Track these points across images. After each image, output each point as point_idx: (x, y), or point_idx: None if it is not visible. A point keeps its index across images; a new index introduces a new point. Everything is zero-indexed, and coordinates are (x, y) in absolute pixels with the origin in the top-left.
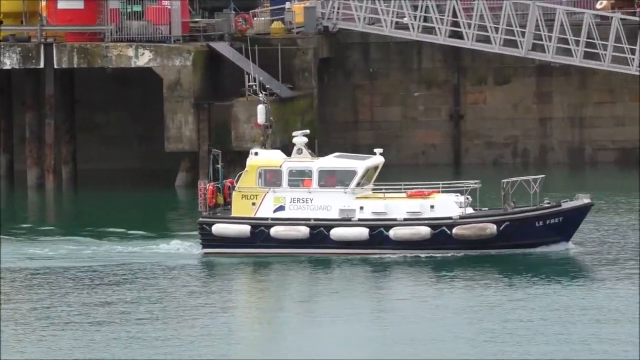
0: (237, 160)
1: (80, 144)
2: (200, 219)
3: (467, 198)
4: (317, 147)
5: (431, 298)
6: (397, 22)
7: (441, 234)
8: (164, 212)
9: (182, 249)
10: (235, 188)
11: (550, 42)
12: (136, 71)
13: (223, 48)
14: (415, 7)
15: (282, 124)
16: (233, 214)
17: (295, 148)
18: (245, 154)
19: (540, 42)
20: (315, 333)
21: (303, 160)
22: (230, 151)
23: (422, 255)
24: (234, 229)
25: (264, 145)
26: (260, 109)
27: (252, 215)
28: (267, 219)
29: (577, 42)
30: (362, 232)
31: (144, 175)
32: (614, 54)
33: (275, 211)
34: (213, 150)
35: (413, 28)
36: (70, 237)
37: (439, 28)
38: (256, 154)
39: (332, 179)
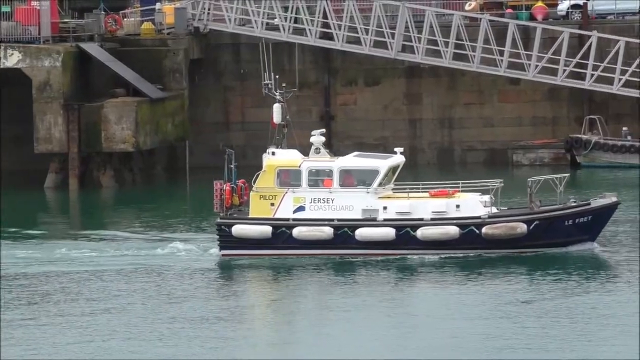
0: (107, 162)
1: None
2: (219, 220)
3: (491, 197)
4: (188, 148)
5: (454, 298)
6: (267, 23)
7: (470, 234)
8: (32, 214)
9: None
10: (253, 188)
11: (419, 43)
12: (6, 72)
13: (93, 49)
14: (285, 8)
15: (152, 125)
16: (251, 215)
17: (313, 147)
18: (117, 155)
19: (409, 44)
20: (329, 336)
21: (323, 160)
22: (100, 152)
23: (451, 255)
24: (256, 230)
25: (280, 145)
26: (277, 107)
27: (271, 216)
28: (288, 219)
29: (446, 44)
30: (389, 232)
31: (17, 176)
32: (483, 55)
33: (295, 212)
34: (227, 149)
35: (284, 29)
36: None
37: (309, 29)
38: (273, 153)
39: (354, 179)
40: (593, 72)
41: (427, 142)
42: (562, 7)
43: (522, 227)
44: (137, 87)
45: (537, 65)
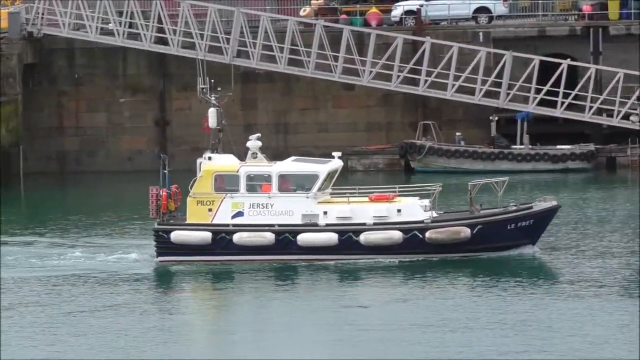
0: None
1: None
2: (157, 226)
3: (431, 201)
4: (22, 154)
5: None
6: (102, 28)
7: (413, 238)
8: None
9: None
10: (190, 194)
11: (254, 48)
12: None
13: None
14: (120, 13)
15: None
16: (188, 221)
17: (249, 152)
18: None
19: (245, 49)
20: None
21: (261, 165)
22: None
23: (393, 260)
24: (196, 236)
25: (216, 150)
26: (212, 112)
27: (209, 222)
28: (228, 225)
29: (281, 49)
30: (331, 238)
31: None
32: (318, 61)
33: (233, 217)
34: (162, 155)
35: (118, 34)
36: None
37: (144, 34)
38: (209, 158)
39: (293, 184)
40: (427, 78)
41: (262, 148)
42: (396, 13)
43: (466, 232)
44: None
45: (371, 71)
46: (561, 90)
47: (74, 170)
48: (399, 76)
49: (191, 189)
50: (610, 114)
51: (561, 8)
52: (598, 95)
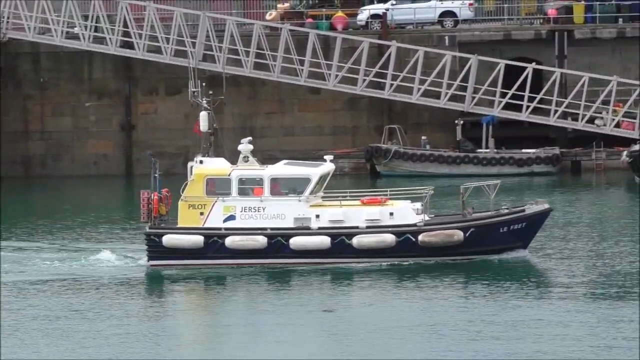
0: None
1: None
2: (148, 230)
3: (422, 205)
4: None
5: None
6: (67, 32)
7: (406, 242)
8: None
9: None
10: (181, 197)
11: (220, 52)
12: None
13: None
14: (86, 17)
15: None
16: (180, 224)
17: (241, 156)
18: None
19: (211, 53)
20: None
21: (253, 168)
22: None
23: (385, 264)
24: (188, 240)
25: (207, 154)
26: (203, 115)
27: (201, 225)
28: (220, 228)
29: (247, 53)
30: (324, 241)
31: None
32: (284, 65)
33: (225, 221)
34: (153, 158)
35: (84, 38)
36: None
37: (110, 38)
38: (201, 162)
39: (285, 187)
40: (392, 82)
41: (229, 152)
42: (362, 17)
43: (459, 235)
44: None
45: (337, 75)
46: (526, 94)
47: (39, 174)
48: (364, 80)
49: (182, 192)
50: (575, 117)
51: (526, 12)
52: (563, 99)
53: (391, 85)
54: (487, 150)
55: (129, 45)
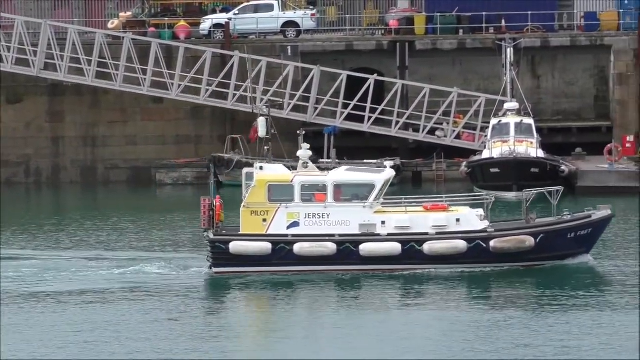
0: None
1: None
2: (213, 237)
3: (484, 211)
4: None
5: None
6: None
7: (476, 248)
8: None
9: None
10: (243, 204)
11: (62, 61)
12: None
13: None
14: None
15: None
16: (242, 231)
17: (300, 162)
18: None
19: (52, 62)
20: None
21: (316, 174)
22: None
23: (455, 270)
24: (255, 247)
25: (267, 160)
26: (261, 121)
27: (264, 232)
28: (286, 235)
29: (89, 62)
30: (394, 247)
31: None
32: (126, 74)
33: (289, 227)
34: (211, 165)
35: None
36: None
37: None
38: (261, 168)
39: (346, 193)
40: (235, 92)
41: (70, 160)
42: (205, 26)
43: (531, 241)
44: None
45: (180, 85)
46: (368, 105)
47: None
48: (207, 90)
49: (244, 199)
50: (416, 128)
51: (368, 23)
52: (404, 110)
53: (234, 95)
54: (329, 160)
55: None
